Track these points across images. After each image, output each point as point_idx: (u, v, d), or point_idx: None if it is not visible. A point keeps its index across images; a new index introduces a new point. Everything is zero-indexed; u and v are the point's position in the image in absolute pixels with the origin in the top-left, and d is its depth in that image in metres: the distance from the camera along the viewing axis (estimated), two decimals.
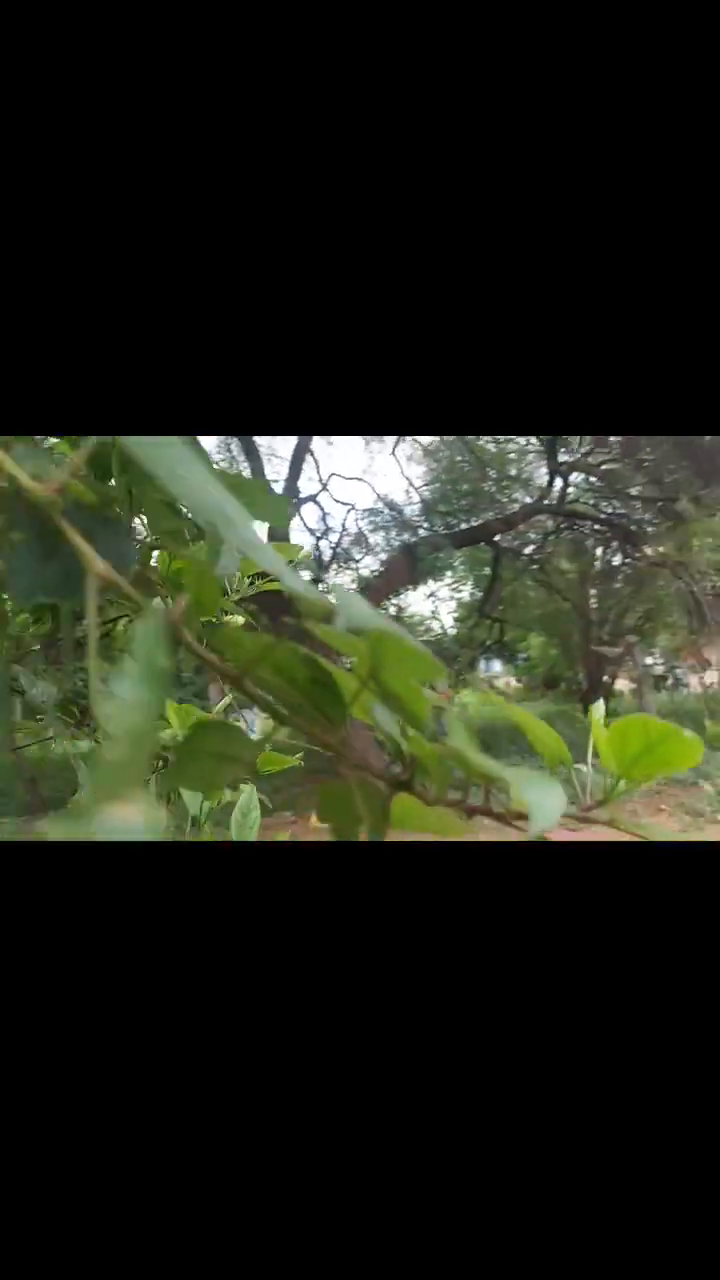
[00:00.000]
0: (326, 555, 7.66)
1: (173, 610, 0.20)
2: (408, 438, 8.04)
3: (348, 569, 7.82)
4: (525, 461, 8.59)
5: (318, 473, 7.82)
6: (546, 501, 7.95)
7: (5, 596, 0.39)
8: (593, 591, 10.22)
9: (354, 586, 6.36)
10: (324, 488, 7.73)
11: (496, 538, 8.11)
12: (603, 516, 8.53)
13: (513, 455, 8.46)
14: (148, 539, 0.40)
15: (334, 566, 7.66)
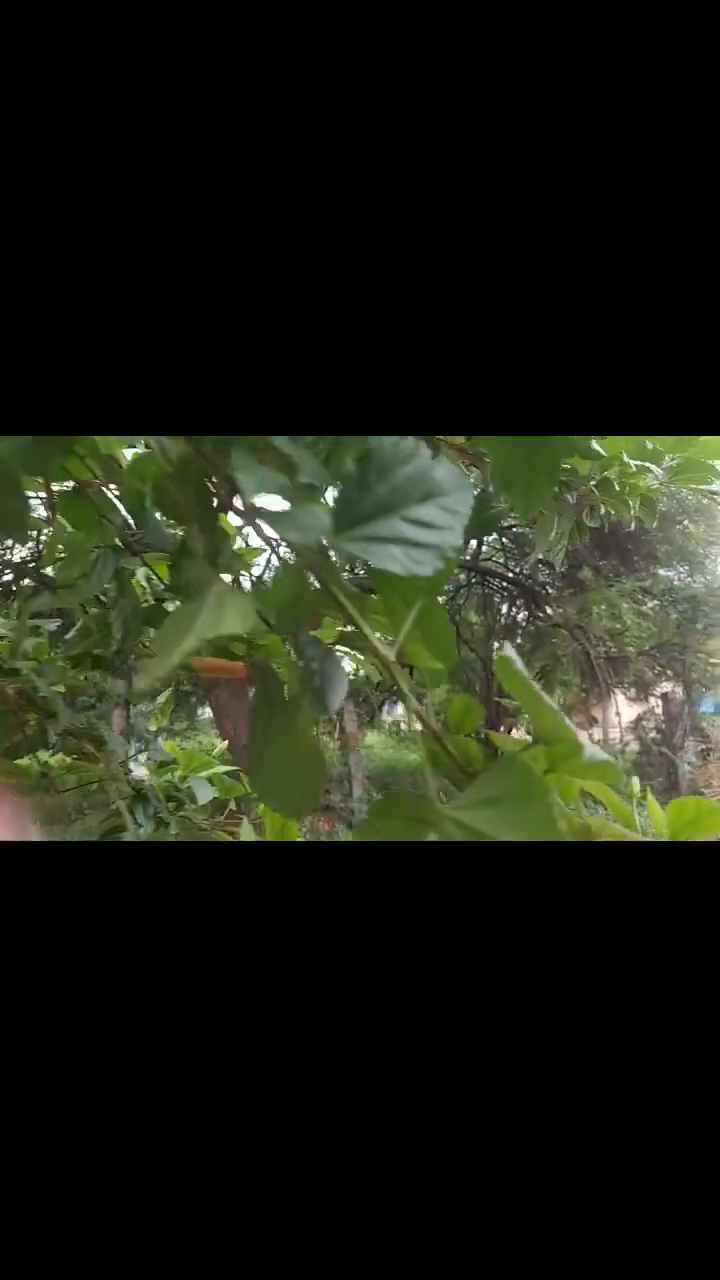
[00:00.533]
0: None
1: (436, 728, 0.30)
2: None
3: None
4: None
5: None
6: (463, 557, 8.40)
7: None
8: (496, 645, 10.73)
9: None
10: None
11: None
12: (510, 575, 9.08)
13: None
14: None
15: None
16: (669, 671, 8.95)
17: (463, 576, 9.03)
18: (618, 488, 0.71)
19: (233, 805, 0.90)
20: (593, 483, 0.72)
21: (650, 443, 0.76)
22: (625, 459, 0.72)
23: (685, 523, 8.05)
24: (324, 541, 0.25)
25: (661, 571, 8.31)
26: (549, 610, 8.72)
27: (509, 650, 0.27)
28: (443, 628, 0.32)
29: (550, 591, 8.90)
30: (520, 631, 9.97)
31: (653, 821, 0.41)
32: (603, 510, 0.75)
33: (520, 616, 9.92)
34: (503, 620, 10.27)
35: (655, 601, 8.12)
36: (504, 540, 8.71)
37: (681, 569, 8.47)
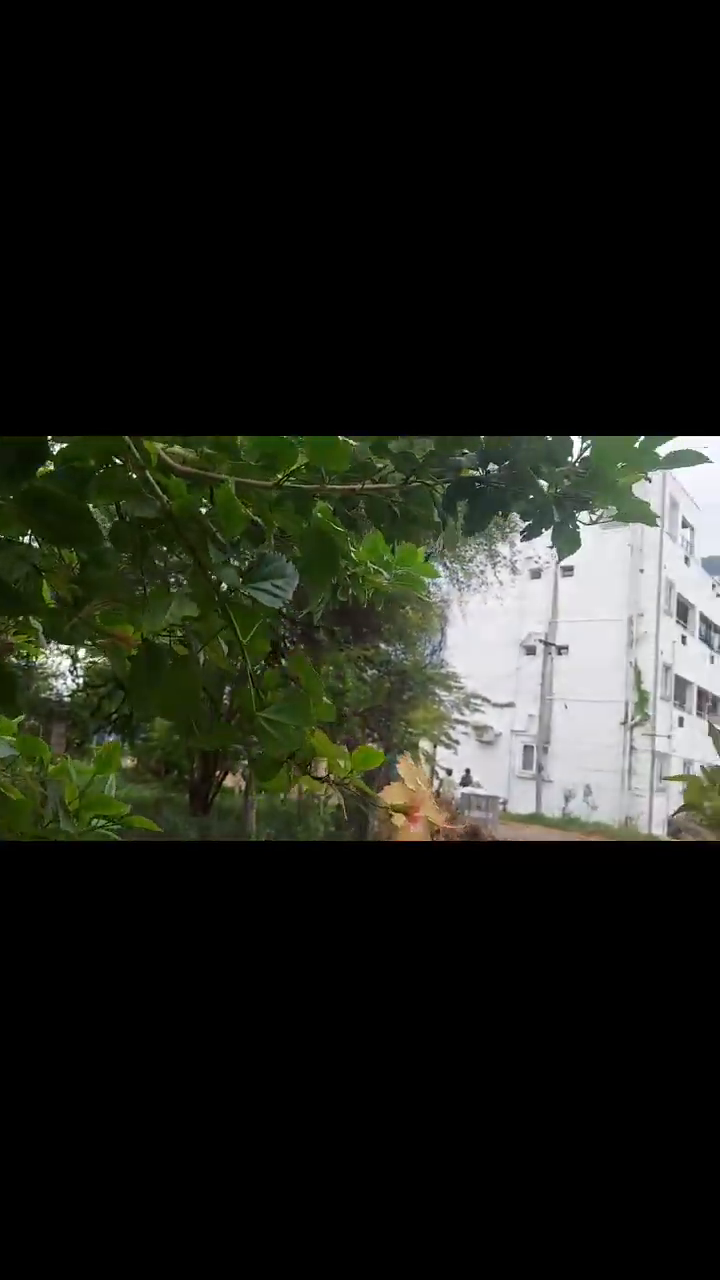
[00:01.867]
0: None
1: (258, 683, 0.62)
2: None
3: None
4: None
5: None
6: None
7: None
8: (228, 689, 10.92)
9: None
10: None
11: None
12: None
13: None
14: None
15: None
16: (376, 734, 10.09)
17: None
18: (360, 580, 1.12)
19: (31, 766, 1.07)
20: (348, 573, 1.12)
21: (386, 555, 1.18)
22: (369, 563, 1.13)
23: (407, 609, 9.36)
24: (239, 585, 0.56)
25: (383, 645, 9.49)
26: (284, 661, 9.31)
27: (305, 657, 0.60)
28: (264, 637, 0.64)
29: (288, 645, 9.57)
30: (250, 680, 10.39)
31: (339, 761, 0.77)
32: (350, 590, 1.16)
33: (255, 668, 10.37)
34: (238, 666, 10.62)
35: (375, 671, 9.24)
36: None
37: (398, 646, 9.76)
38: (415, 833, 0.76)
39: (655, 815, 14.28)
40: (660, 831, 13.69)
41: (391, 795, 0.76)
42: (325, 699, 0.63)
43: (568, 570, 16.83)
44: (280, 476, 0.64)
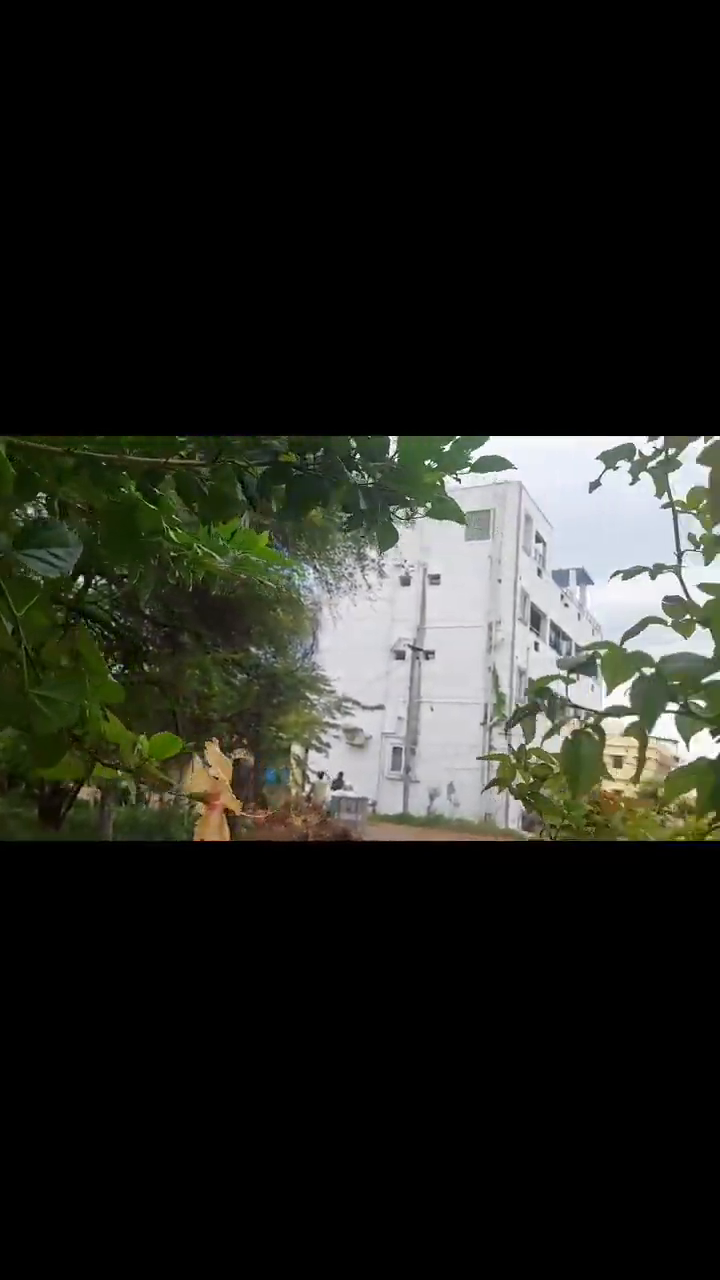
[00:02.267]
0: None
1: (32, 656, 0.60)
2: None
3: None
4: None
5: None
6: (66, 595, 8.09)
7: None
8: None
9: None
10: None
11: None
12: (114, 625, 9.08)
13: None
14: None
15: None
16: (245, 739, 9.92)
17: (60, 614, 8.64)
18: (185, 564, 1.09)
19: None
20: (172, 555, 1.09)
21: (222, 540, 1.16)
22: (196, 546, 1.11)
23: (278, 610, 9.30)
24: (9, 552, 0.53)
25: (253, 649, 9.36)
26: (145, 666, 8.94)
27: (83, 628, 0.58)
28: (45, 611, 0.61)
29: (150, 649, 9.17)
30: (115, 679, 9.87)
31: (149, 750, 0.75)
32: (178, 574, 1.13)
33: (115, 670, 9.87)
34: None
35: (244, 675, 9.10)
36: (113, 588, 8.73)
37: (269, 650, 9.68)
38: (214, 822, 0.76)
39: (511, 811, 15.23)
40: (516, 825, 14.60)
41: (195, 784, 0.76)
42: (111, 678, 0.61)
43: (435, 579, 17.57)
44: (70, 445, 0.61)
